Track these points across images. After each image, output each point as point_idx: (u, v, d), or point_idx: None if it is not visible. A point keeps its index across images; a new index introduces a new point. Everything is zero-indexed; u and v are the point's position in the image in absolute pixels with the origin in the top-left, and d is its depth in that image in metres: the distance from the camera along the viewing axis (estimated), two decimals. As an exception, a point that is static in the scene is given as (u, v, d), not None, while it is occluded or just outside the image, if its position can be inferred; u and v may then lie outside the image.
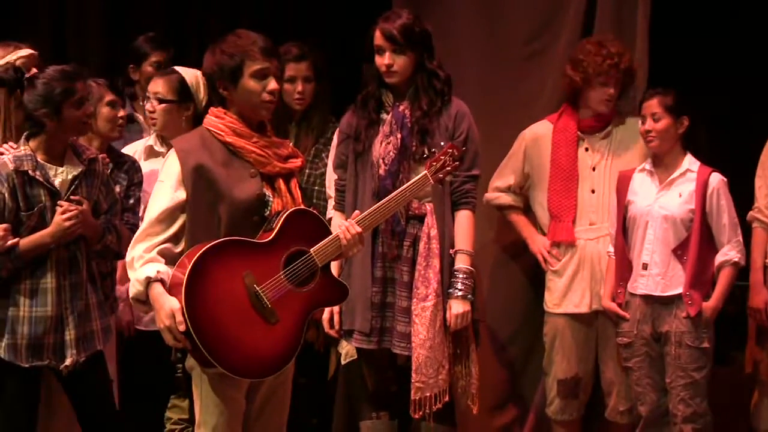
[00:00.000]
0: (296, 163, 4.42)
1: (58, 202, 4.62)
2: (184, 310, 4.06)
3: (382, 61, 5.06)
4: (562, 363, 5.66)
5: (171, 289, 4.14)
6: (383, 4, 5.65)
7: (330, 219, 5.29)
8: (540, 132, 5.74)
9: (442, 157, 4.62)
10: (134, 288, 4.20)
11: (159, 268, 4.17)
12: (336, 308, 5.13)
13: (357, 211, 4.50)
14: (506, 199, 5.83)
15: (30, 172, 4.60)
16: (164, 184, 4.28)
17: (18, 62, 4.77)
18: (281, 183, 4.35)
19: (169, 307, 4.09)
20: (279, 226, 4.24)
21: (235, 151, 4.30)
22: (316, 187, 5.72)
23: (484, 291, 5.69)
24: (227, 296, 4.14)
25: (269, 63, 4.31)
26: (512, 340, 6.12)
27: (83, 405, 4.77)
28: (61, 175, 4.67)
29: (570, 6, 6.04)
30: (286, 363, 4.27)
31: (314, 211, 4.43)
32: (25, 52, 4.89)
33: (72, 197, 4.65)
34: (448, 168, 4.62)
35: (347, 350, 5.32)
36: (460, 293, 5.03)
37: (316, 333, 5.51)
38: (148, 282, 4.15)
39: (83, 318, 4.69)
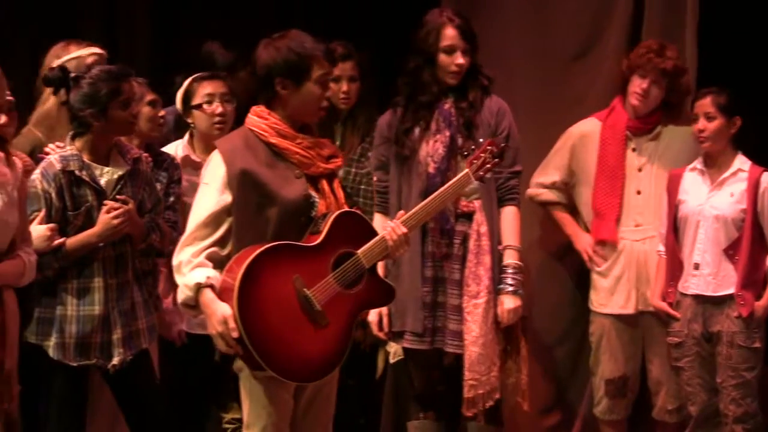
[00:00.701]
0: (337, 162, 4.40)
1: (104, 202, 4.63)
2: (237, 315, 4.05)
3: (453, 60, 5.04)
4: (609, 363, 5.65)
5: (221, 294, 4.13)
6: (428, 3, 5.60)
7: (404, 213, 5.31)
8: (588, 129, 5.72)
9: (482, 155, 4.57)
10: (183, 293, 4.18)
11: (208, 273, 4.16)
12: (384, 310, 5.11)
13: (402, 212, 4.48)
14: (549, 195, 5.82)
15: (77, 172, 4.61)
16: (209, 186, 4.26)
17: (89, 59, 4.79)
18: (325, 183, 4.33)
19: (221, 313, 4.08)
20: (327, 228, 4.22)
21: (279, 152, 4.27)
22: (362, 186, 5.71)
23: (530, 288, 5.65)
24: (278, 301, 4.13)
25: (331, 70, 4.31)
26: (560, 340, 6.11)
27: (130, 403, 4.78)
28: (106, 175, 4.67)
29: (618, 7, 6.02)
30: (336, 365, 4.26)
31: (359, 212, 4.41)
32: (97, 50, 4.93)
33: (118, 197, 4.65)
34: (489, 165, 4.58)
35: (395, 350, 5.32)
36: (510, 288, 5.03)
37: (362, 333, 5.49)
38: (198, 288, 4.13)
39: (129, 317, 4.70)
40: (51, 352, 4.60)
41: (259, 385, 4.24)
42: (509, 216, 5.10)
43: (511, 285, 5.04)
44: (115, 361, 4.65)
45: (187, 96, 5.42)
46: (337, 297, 4.22)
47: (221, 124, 5.33)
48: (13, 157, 4.33)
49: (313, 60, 4.26)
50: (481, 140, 4.76)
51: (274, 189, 4.20)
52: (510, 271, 5.04)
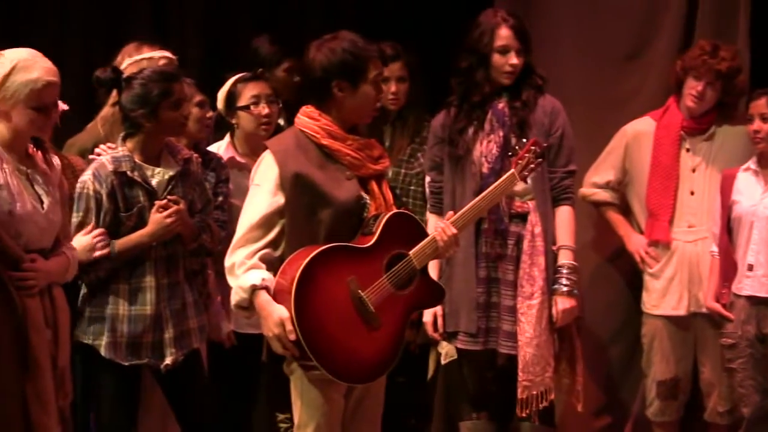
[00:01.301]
0: (385, 163, 4.40)
1: (156, 202, 4.64)
2: (294, 317, 4.06)
3: (507, 61, 5.04)
4: (660, 364, 5.62)
5: (276, 296, 4.13)
6: (481, 3, 5.59)
7: (427, 220, 5.28)
8: (642, 128, 5.69)
9: (526, 155, 4.55)
10: (237, 295, 4.19)
11: (263, 275, 4.15)
12: (439, 310, 5.10)
13: (451, 212, 4.47)
14: (603, 195, 5.79)
15: (128, 172, 4.60)
16: (261, 188, 4.26)
17: (161, 62, 4.82)
18: (374, 185, 4.33)
19: (278, 315, 4.09)
20: (380, 229, 4.22)
21: (330, 154, 4.26)
22: (412, 187, 5.71)
23: (583, 290, 5.62)
24: (333, 302, 4.14)
25: (383, 71, 4.31)
26: (612, 341, 6.09)
27: (182, 403, 4.78)
28: (157, 176, 4.67)
29: (671, 8, 6.01)
30: (389, 366, 4.27)
31: (410, 213, 4.41)
32: (168, 54, 4.98)
33: (169, 197, 4.66)
34: (533, 165, 4.57)
35: (447, 350, 5.30)
36: (565, 289, 5.02)
37: (414, 333, 5.48)
38: (253, 289, 4.14)
39: (180, 317, 4.69)
40: (103, 352, 4.60)
41: (311, 385, 4.24)
42: (564, 216, 5.09)
43: (565, 285, 5.02)
44: (168, 360, 4.65)
45: (232, 97, 5.41)
46: (390, 298, 4.22)
47: (267, 125, 5.34)
48: (53, 156, 4.35)
49: (369, 61, 4.27)
50: (524, 140, 4.74)
51: (327, 190, 4.20)
52: (564, 271, 5.03)
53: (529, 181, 4.70)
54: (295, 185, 4.19)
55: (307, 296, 4.08)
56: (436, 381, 5.71)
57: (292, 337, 4.06)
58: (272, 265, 4.20)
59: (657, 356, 5.62)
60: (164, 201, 4.63)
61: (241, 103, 5.39)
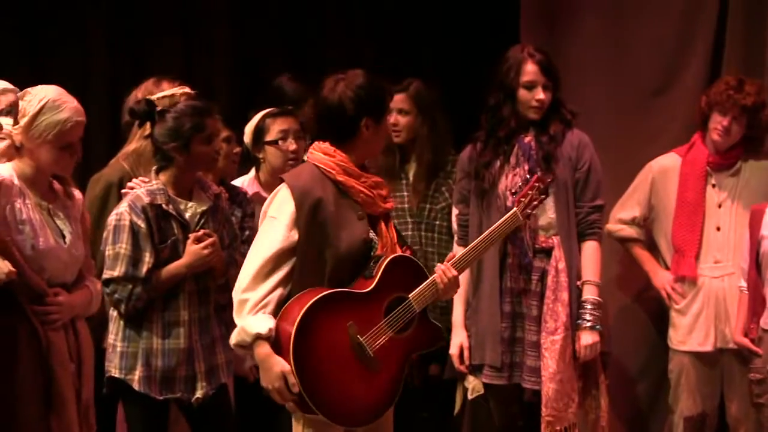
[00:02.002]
0: (392, 203, 4.41)
1: (190, 234, 4.65)
2: (292, 363, 4.07)
3: (534, 96, 5.04)
4: (687, 400, 5.59)
5: (276, 340, 4.13)
6: (509, 39, 5.60)
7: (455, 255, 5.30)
8: (668, 164, 5.68)
9: (530, 192, 4.57)
10: (239, 336, 4.18)
11: (270, 324, 4.14)
12: (465, 342, 5.12)
13: (452, 253, 4.50)
14: (629, 231, 5.78)
15: (164, 205, 4.63)
16: (278, 221, 4.24)
17: (181, 99, 4.79)
18: (382, 224, 4.34)
19: (279, 369, 4.11)
20: (379, 274, 4.23)
21: (344, 190, 4.27)
22: (437, 222, 5.70)
23: (609, 325, 5.60)
24: (332, 347, 4.17)
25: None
26: (640, 377, 6.06)
27: (209, 437, 4.80)
28: (190, 210, 4.70)
29: (699, 41, 6.01)
30: (387, 408, 4.30)
31: (410, 255, 4.39)
32: (188, 90, 4.95)
33: (204, 230, 4.67)
34: (536, 202, 4.57)
35: (474, 385, 5.29)
36: (588, 324, 5.00)
37: (438, 368, 5.47)
38: (257, 338, 4.13)
39: (211, 351, 4.72)
40: (136, 386, 4.62)
41: (311, 426, 4.25)
42: (589, 251, 5.07)
43: (589, 321, 5.00)
44: (199, 394, 4.68)
45: (260, 131, 5.44)
46: (389, 342, 4.25)
47: (294, 161, 5.35)
48: (74, 189, 4.38)
49: (389, 99, 4.31)
50: (528, 177, 4.73)
51: (334, 231, 4.21)
52: (588, 306, 5.01)
53: (530, 218, 4.69)
54: (309, 223, 4.20)
55: (307, 343, 4.10)
56: (463, 416, 5.69)
57: (296, 389, 4.08)
58: (280, 303, 4.20)
59: (684, 392, 5.59)
60: (200, 233, 4.65)
61: (270, 138, 5.42)
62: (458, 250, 5.16)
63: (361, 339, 4.18)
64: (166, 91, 4.86)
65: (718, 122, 5.49)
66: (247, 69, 6.93)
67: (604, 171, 5.23)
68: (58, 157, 4.18)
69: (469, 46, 6.81)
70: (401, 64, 6.34)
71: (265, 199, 5.19)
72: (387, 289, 4.23)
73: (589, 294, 5.01)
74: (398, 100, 5.73)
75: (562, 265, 4.98)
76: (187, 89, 4.95)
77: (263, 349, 4.13)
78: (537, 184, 4.58)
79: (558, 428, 4.98)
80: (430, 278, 4.31)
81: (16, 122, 4.17)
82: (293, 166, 5.27)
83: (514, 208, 4.54)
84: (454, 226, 5.45)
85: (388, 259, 4.25)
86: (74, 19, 6.69)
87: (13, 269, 4.00)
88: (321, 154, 4.30)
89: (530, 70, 5.04)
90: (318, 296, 4.13)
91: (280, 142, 5.39)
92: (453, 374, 5.39)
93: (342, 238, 4.20)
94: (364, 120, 4.24)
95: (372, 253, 4.26)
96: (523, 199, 4.55)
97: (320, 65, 6.62)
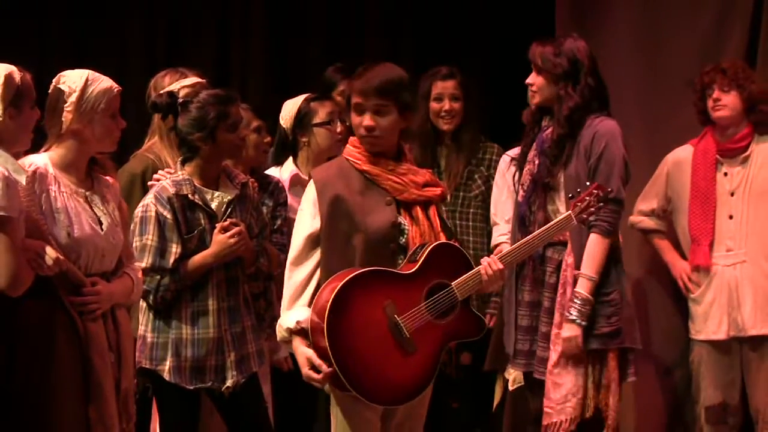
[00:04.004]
0: (435, 191, 4.40)
1: (217, 224, 4.68)
2: (326, 334, 4.10)
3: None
4: (707, 390, 5.62)
5: (311, 319, 4.20)
6: (544, 33, 5.59)
7: (497, 244, 5.39)
8: (682, 156, 5.71)
9: (587, 198, 4.52)
10: (279, 334, 4.30)
11: (299, 316, 4.23)
12: None
13: (501, 247, 4.49)
14: (649, 223, 5.82)
15: (189, 196, 4.66)
16: (304, 212, 4.34)
17: (182, 92, 4.80)
18: (419, 211, 4.34)
19: (303, 357, 4.19)
20: (423, 258, 4.24)
21: (372, 179, 4.32)
22: (472, 210, 5.71)
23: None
24: (368, 325, 4.17)
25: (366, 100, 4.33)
26: (672, 369, 6.07)
27: (240, 426, 4.81)
28: (216, 199, 4.71)
29: (733, 33, 6.01)
30: (420, 391, 4.29)
31: (457, 245, 4.39)
32: (191, 80, 4.97)
33: (230, 220, 4.69)
34: (593, 209, 4.53)
35: (515, 376, 5.30)
36: (572, 317, 4.87)
37: (469, 357, 5.50)
38: (290, 332, 4.23)
39: (241, 340, 4.74)
40: (167, 376, 4.65)
41: (346, 404, 4.28)
42: (590, 243, 4.91)
43: (574, 315, 4.87)
44: (229, 383, 4.69)
45: (305, 115, 5.48)
46: (427, 326, 4.24)
47: (341, 142, 5.33)
48: (110, 178, 4.39)
49: (352, 92, 4.35)
50: (588, 183, 4.70)
51: (361, 217, 4.25)
52: (577, 301, 4.86)
53: (586, 223, 4.65)
54: (331, 211, 4.25)
55: (342, 317, 4.12)
56: (503, 409, 5.70)
57: (325, 368, 4.13)
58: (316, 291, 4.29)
59: (704, 382, 5.62)
60: (226, 222, 4.67)
61: (318, 120, 5.48)
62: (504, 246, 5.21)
63: (398, 319, 4.19)
64: (184, 81, 4.90)
65: (710, 102, 5.52)
66: (282, 58, 6.97)
67: (636, 163, 5.12)
68: (110, 127, 4.17)
69: (504, 41, 6.82)
70: (438, 57, 6.35)
71: (304, 179, 5.26)
72: (430, 273, 4.24)
73: (581, 288, 4.87)
74: (450, 86, 5.78)
75: (570, 260, 4.91)
76: (191, 79, 4.96)
77: (294, 342, 4.23)
78: (596, 192, 4.54)
79: (555, 420, 4.91)
80: (476, 269, 4.31)
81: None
82: (340, 147, 5.28)
83: (569, 211, 4.51)
84: (494, 218, 5.47)
85: (433, 245, 4.28)
86: (114, 10, 6.83)
87: (62, 257, 4.01)
88: (350, 146, 4.38)
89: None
90: (357, 272, 4.17)
91: (330, 125, 5.42)
92: (494, 366, 5.41)
93: (369, 223, 4.24)
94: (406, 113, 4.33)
95: (402, 238, 4.29)
96: (579, 204, 4.50)
97: (358, 54, 6.65)
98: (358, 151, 4.33)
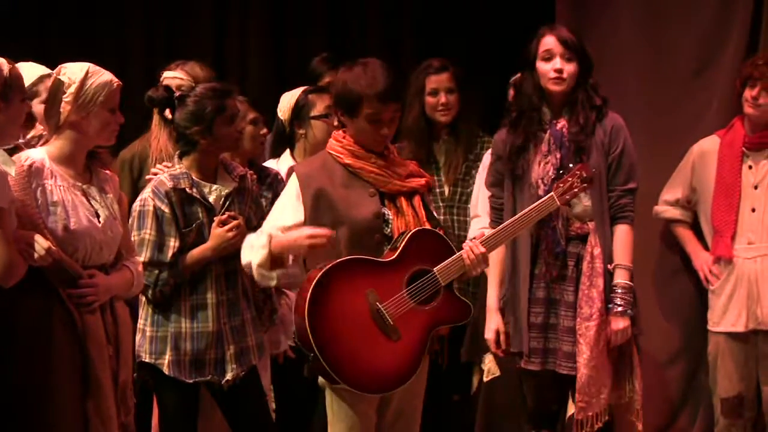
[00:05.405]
0: (420, 181, 4.45)
1: (215, 217, 4.67)
2: (308, 326, 4.12)
3: (551, 66, 4.93)
4: (723, 382, 5.61)
5: (294, 312, 4.22)
6: (544, 19, 5.58)
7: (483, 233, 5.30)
8: (707, 147, 5.71)
9: (570, 179, 4.56)
10: (258, 254, 4.30)
11: (272, 232, 4.30)
12: (503, 328, 5.06)
13: (482, 231, 4.52)
14: (673, 212, 5.83)
15: (187, 189, 4.65)
16: (283, 202, 4.41)
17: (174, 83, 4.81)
18: (403, 201, 4.38)
19: (297, 234, 4.22)
20: (403, 245, 4.27)
21: (354, 172, 4.36)
22: (469, 205, 5.69)
23: (646, 307, 5.56)
24: (350, 313, 4.23)
25: (380, 110, 4.32)
26: (677, 358, 6.07)
27: (239, 419, 4.79)
28: (214, 192, 4.70)
29: (736, 23, 6.00)
30: (407, 378, 4.30)
31: (438, 231, 4.41)
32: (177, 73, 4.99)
33: (228, 213, 4.68)
34: (576, 189, 4.56)
35: (489, 367, 5.30)
36: (619, 309, 4.91)
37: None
38: (269, 240, 4.27)
39: (240, 333, 4.72)
40: (166, 370, 4.65)
41: (339, 399, 4.33)
42: (620, 235, 4.96)
43: (620, 305, 4.91)
44: (229, 376, 4.68)
45: (303, 107, 5.47)
46: (411, 312, 4.27)
47: None
48: (109, 172, 4.39)
49: (363, 97, 4.32)
50: (571, 165, 4.70)
51: (344, 209, 4.31)
52: (619, 291, 4.91)
53: (570, 204, 4.68)
54: (314, 205, 4.33)
55: (323, 305, 4.17)
56: (479, 398, 5.69)
57: (324, 231, 4.16)
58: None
59: (720, 374, 5.61)
60: (224, 216, 4.67)
61: (316, 112, 5.47)
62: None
63: (381, 306, 4.22)
64: (177, 72, 4.90)
65: (749, 94, 5.49)
66: (280, 52, 6.97)
67: (642, 154, 5.19)
68: (109, 120, 4.17)
69: (503, 33, 6.81)
70: (437, 51, 6.34)
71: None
72: (410, 260, 4.27)
73: (620, 278, 4.92)
74: (444, 79, 5.77)
75: (597, 251, 4.92)
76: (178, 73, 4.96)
77: (276, 239, 4.28)
78: (579, 172, 4.57)
79: (590, 414, 4.92)
80: (458, 254, 4.33)
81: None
82: None
83: (552, 192, 4.53)
84: (475, 210, 5.44)
85: (412, 231, 4.29)
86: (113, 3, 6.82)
87: (54, 247, 4.00)
88: (333, 140, 4.43)
89: (547, 41, 4.95)
90: (338, 260, 4.21)
91: (329, 117, 5.41)
92: (471, 357, 5.40)
93: (353, 215, 4.30)
94: (337, 111, 4.39)
95: (387, 229, 4.32)
96: (562, 185, 4.54)
97: (358, 48, 6.65)
98: (340, 145, 4.40)
